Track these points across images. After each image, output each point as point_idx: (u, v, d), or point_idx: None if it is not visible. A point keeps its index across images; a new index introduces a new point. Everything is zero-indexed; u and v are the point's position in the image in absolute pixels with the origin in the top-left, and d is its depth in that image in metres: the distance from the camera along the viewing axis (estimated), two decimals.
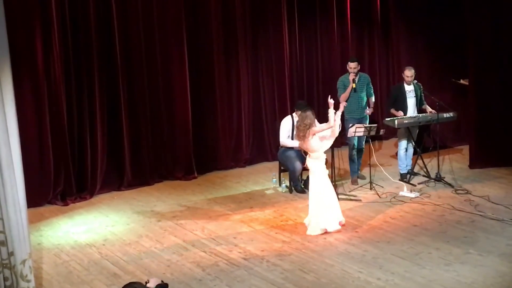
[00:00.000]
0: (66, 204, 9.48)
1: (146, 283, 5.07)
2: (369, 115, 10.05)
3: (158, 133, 10.53)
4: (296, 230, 8.09)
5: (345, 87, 9.79)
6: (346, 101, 9.77)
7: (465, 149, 11.04)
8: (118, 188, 10.15)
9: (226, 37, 11.00)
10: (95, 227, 8.56)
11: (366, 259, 7.08)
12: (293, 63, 11.88)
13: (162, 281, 5.23)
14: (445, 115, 9.79)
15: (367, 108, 9.97)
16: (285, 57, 11.61)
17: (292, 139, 9.41)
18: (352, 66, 9.73)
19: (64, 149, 9.53)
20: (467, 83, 11.18)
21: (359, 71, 9.87)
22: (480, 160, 10.43)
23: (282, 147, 9.68)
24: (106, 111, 9.95)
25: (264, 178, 10.44)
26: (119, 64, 9.94)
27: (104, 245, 7.87)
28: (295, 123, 9.53)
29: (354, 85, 9.70)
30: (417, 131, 10.14)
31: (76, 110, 9.67)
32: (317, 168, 8.01)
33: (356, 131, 9.41)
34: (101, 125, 9.88)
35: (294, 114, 9.63)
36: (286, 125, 9.63)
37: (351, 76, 9.72)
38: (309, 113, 8.04)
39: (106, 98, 9.94)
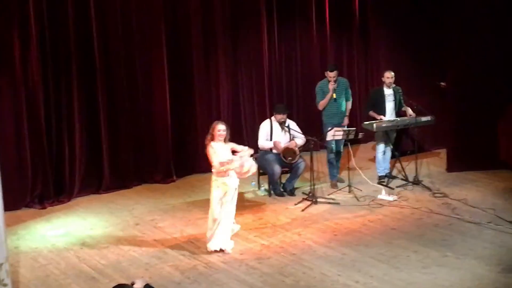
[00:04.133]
0: (44, 208, 9.41)
1: (132, 284, 5.03)
2: (348, 118, 10.07)
3: (137, 136, 10.49)
4: (275, 233, 8.09)
5: (323, 93, 9.81)
6: (324, 108, 9.83)
7: (443, 152, 11.13)
8: (97, 191, 10.09)
9: (205, 40, 10.99)
10: (73, 230, 8.50)
11: (344, 262, 7.10)
12: (272, 67, 11.92)
13: (148, 283, 5.19)
14: (423, 118, 9.86)
15: (346, 116, 10.00)
16: (264, 61, 11.65)
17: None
18: (332, 75, 9.73)
19: (42, 152, 9.46)
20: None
21: (337, 76, 9.90)
22: (458, 163, 10.52)
23: (261, 150, 9.70)
24: (84, 114, 9.91)
25: (243, 181, 10.35)
26: (98, 67, 9.89)
27: (82, 248, 7.82)
28: (273, 126, 9.57)
29: (334, 95, 9.73)
30: (395, 134, 10.20)
31: (54, 113, 9.60)
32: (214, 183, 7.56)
33: (335, 134, 9.45)
34: (80, 128, 9.83)
35: (273, 117, 9.66)
36: (264, 128, 9.66)
37: (331, 85, 9.72)
38: (221, 126, 7.56)
39: (85, 101, 9.89)
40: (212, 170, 7.56)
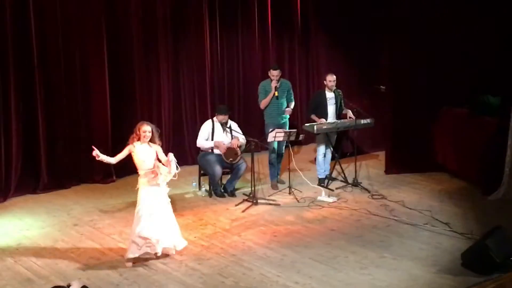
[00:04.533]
0: None
1: (69, 286, 4.95)
2: (289, 119, 10.13)
3: (76, 136, 10.32)
4: (215, 234, 8.08)
5: (266, 92, 9.87)
6: (266, 107, 9.89)
7: (381, 155, 11.31)
8: (34, 191, 9.90)
9: (146, 40, 10.92)
10: (9, 230, 8.31)
11: (284, 263, 7.14)
12: (214, 67, 11.92)
13: (85, 285, 5.12)
14: (363, 121, 9.98)
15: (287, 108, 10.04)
16: (206, 61, 11.63)
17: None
18: (275, 74, 9.80)
19: None
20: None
21: (280, 77, 9.95)
22: (396, 166, 10.70)
23: (202, 151, 9.68)
24: (21, 112, 9.69)
25: (184, 182, 10.36)
26: (36, 64, 9.71)
27: (17, 249, 7.66)
28: (215, 127, 9.55)
29: (276, 93, 9.79)
30: (336, 136, 10.31)
31: None
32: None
33: (276, 135, 9.49)
34: (16, 126, 9.62)
35: (215, 118, 9.65)
36: (206, 129, 9.64)
37: (273, 84, 9.79)
38: (146, 127, 7.31)
39: (22, 98, 9.69)
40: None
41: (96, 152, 7.24)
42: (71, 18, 10.07)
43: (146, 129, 7.28)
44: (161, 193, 7.32)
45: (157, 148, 7.39)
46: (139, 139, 7.31)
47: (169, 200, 7.44)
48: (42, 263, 7.23)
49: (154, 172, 7.25)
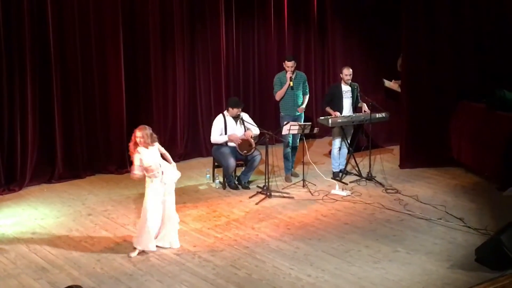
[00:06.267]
0: None
1: None
2: (304, 113, 10.12)
3: (92, 126, 10.37)
4: (229, 226, 8.09)
5: (281, 84, 9.86)
6: (281, 98, 9.88)
7: (396, 149, 11.27)
8: (49, 181, 9.95)
9: (163, 31, 10.93)
10: (24, 220, 8.37)
11: (297, 256, 7.14)
12: (230, 60, 11.91)
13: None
14: (378, 115, 9.96)
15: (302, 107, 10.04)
16: (222, 54, 11.62)
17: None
18: (290, 64, 9.79)
19: None
20: (398, 84, 11.42)
21: (295, 69, 9.94)
22: (410, 160, 10.66)
23: (216, 143, 9.68)
24: (38, 101, 9.75)
25: (198, 174, 10.42)
26: (53, 55, 9.75)
27: (32, 238, 7.71)
28: (227, 121, 9.52)
29: (291, 84, 9.78)
30: (352, 130, 10.28)
31: (7, 100, 9.41)
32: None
33: (291, 128, 9.47)
34: (33, 115, 9.67)
35: (225, 112, 9.61)
36: (218, 124, 9.58)
37: (288, 74, 9.78)
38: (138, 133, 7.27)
39: (38, 88, 9.74)
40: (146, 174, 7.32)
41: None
42: (89, 11, 10.10)
43: (138, 134, 7.23)
44: (168, 192, 7.37)
45: (159, 147, 7.43)
46: (136, 144, 7.27)
47: (174, 199, 7.48)
48: (57, 252, 7.28)
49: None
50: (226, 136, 9.48)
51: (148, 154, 7.24)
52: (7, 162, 9.52)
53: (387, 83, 11.89)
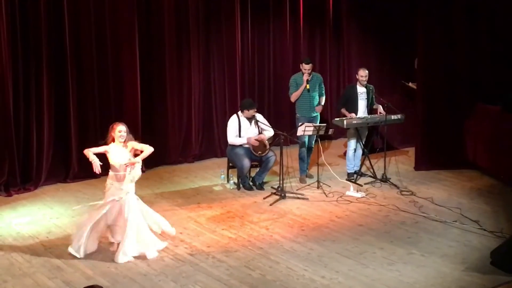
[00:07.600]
0: (10, 195, 9.30)
1: None
2: (319, 113, 10.10)
3: (106, 126, 10.33)
4: (243, 227, 8.09)
5: (297, 85, 9.84)
6: (297, 100, 9.86)
7: (411, 151, 11.22)
8: (64, 180, 10.01)
9: (178, 32, 10.94)
10: (39, 219, 8.41)
11: (311, 257, 7.13)
12: (245, 61, 11.91)
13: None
14: (393, 117, 9.93)
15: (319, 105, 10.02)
16: (237, 54, 11.62)
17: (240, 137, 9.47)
18: (307, 67, 9.76)
19: (9, 139, 9.33)
20: (415, 87, 11.38)
21: (312, 71, 9.92)
22: (425, 162, 10.62)
23: (230, 144, 9.67)
24: (53, 101, 9.80)
25: (213, 174, 10.43)
26: (69, 58, 9.79)
27: (47, 237, 7.75)
28: (241, 122, 9.51)
29: (307, 86, 9.76)
30: (367, 132, 10.26)
31: (23, 100, 9.47)
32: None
33: (305, 130, 9.46)
34: (48, 115, 9.72)
35: (239, 113, 9.60)
36: (233, 125, 9.57)
37: (305, 77, 9.75)
38: (121, 127, 7.18)
39: (54, 87, 9.78)
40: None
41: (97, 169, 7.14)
42: (105, 12, 10.14)
43: (122, 128, 7.15)
44: (128, 195, 7.19)
45: (132, 144, 7.24)
46: (113, 140, 7.19)
47: (138, 201, 7.33)
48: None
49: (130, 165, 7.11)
50: (245, 138, 9.43)
51: (117, 153, 7.14)
52: (23, 161, 9.59)
53: (411, 84, 11.86)
